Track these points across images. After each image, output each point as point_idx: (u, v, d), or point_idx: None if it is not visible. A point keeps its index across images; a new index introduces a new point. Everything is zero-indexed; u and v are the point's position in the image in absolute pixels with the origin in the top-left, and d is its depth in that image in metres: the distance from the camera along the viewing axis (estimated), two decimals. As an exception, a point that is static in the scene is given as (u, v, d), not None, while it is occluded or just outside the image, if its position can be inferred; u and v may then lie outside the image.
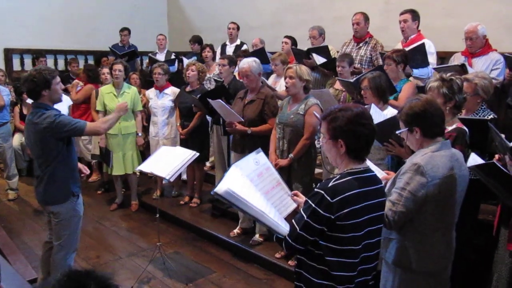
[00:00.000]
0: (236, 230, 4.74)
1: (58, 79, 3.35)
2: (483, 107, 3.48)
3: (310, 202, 1.98)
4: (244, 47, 7.04)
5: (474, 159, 2.80)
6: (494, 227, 3.12)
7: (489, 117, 3.36)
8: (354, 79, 4.23)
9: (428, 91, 3.32)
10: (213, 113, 4.84)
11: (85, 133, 3.42)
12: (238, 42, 7.19)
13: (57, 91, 3.34)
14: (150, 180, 6.67)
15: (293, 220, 2.05)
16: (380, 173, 2.60)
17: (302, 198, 2.27)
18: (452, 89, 3.13)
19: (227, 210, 5.23)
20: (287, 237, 2.03)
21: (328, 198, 1.92)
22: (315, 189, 2.01)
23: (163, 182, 6.09)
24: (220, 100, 4.23)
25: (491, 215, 4.04)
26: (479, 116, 3.43)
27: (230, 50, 7.04)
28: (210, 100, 4.40)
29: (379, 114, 3.40)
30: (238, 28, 7.17)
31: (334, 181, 1.98)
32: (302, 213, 2.01)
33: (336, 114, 2.04)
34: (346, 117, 2.00)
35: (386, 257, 2.46)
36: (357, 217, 1.97)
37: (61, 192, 3.37)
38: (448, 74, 3.33)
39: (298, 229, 1.99)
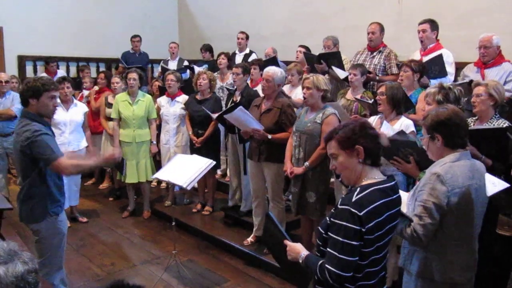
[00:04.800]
0: (250, 239, 4.75)
1: (52, 93, 3.14)
2: (496, 116, 3.44)
3: (339, 222, 1.93)
4: (253, 55, 7.10)
5: (492, 182, 2.77)
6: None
7: (505, 126, 3.31)
8: (372, 100, 4.24)
9: (425, 96, 3.39)
10: (232, 128, 4.85)
11: (51, 168, 3.06)
12: (247, 51, 7.25)
13: (47, 105, 3.12)
14: (161, 188, 6.71)
15: (328, 248, 1.97)
16: (404, 195, 2.58)
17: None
18: (447, 97, 3.25)
19: (240, 218, 5.25)
20: (331, 269, 1.92)
21: (356, 211, 1.90)
22: (339, 207, 1.97)
23: (175, 190, 6.12)
24: (242, 107, 4.22)
25: (506, 226, 4.05)
26: (494, 125, 3.38)
27: (239, 58, 7.11)
28: (229, 115, 4.35)
29: (388, 130, 3.43)
30: (247, 37, 7.23)
31: (357, 195, 1.95)
32: (334, 236, 1.93)
33: (342, 128, 2.07)
34: (355, 126, 2.06)
35: (410, 269, 2.45)
36: (381, 229, 1.98)
37: (36, 211, 3.15)
38: (448, 84, 3.41)
39: (337, 254, 1.91)
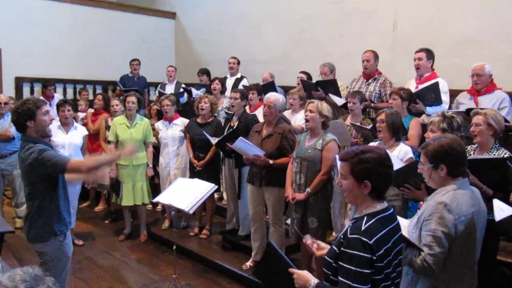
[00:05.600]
0: (249, 263, 4.75)
1: (44, 108, 3.17)
2: (496, 145, 3.46)
3: (351, 251, 1.96)
4: (244, 80, 7.21)
5: (501, 208, 2.83)
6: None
7: (505, 156, 3.34)
8: (371, 126, 4.33)
9: (429, 125, 3.47)
10: (228, 153, 4.91)
11: (67, 170, 3.10)
12: (238, 75, 7.37)
13: (43, 122, 3.15)
14: (157, 210, 6.69)
15: (340, 278, 1.99)
16: (404, 221, 2.63)
17: (325, 249, 2.33)
18: (452, 125, 3.34)
19: (238, 242, 5.25)
20: None
21: (367, 240, 1.94)
22: (349, 236, 1.99)
23: (171, 213, 6.12)
24: (242, 138, 4.29)
25: (503, 251, 4.11)
26: (494, 155, 3.40)
27: (230, 82, 7.23)
28: (231, 146, 4.42)
29: (396, 160, 3.49)
30: (238, 62, 7.37)
31: (365, 223, 2.00)
32: (346, 266, 1.96)
33: (362, 155, 2.06)
34: (374, 159, 2.04)
35: None
36: (389, 255, 2.02)
37: (43, 230, 3.19)
38: (450, 113, 3.50)
39: (351, 283, 1.93)
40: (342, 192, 2.22)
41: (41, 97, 7.39)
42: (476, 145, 3.52)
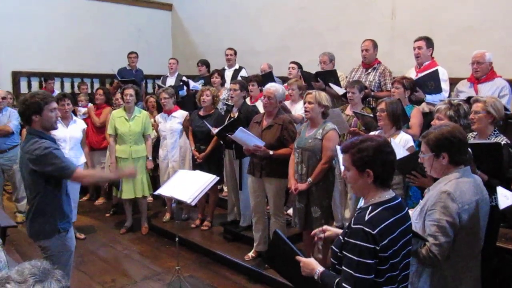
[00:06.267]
0: (251, 254, 4.77)
1: (53, 105, 3.15)
2: (495, 132, 3.46)
3: (353, 241, 1.96)
4: (243, 71, 7.19)
5: (504, 195, 2.82)
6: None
7: (503, 142, 3.33)
8: (372, 115, 4.32)
9: (436, 112, 3.46)
10: (229, 144, 4.91)
11: (72, 179, 3.12)
12: (236, 66, 7.36)
13: (50, 118, 3.13)
14: (159, 203, 6.70)
15: (343, 267, 2.00)
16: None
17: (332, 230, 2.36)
18: (458, 112, 3.35)
19: (239, 233, 5.27)
20: (347, 287, 1.95)
21: (370, 230, 1.94)
22: (353, 226, 2.00)
23: (172, 205, 6.12)
24: (242, 128, 4.28)
25: (503, 238, 4.14)
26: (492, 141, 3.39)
27: (229, 74, 7.22)
28: (231, 136, 4.39)
29: (398, 148, 3.50)
30: (235, 53, 7.36)
31: (369, 213, 2.00)
32: (350, 255, 1.97)
33: (360, 145, 2.07)
34: (373, 147, 2.05)
35: (419, 287, 2.46)
36: (395, 245, 2.01)
37: (46, 228, 3.16)
38: (456, 100, 3.50)
39: (353, 273, 1.94)
40: (348, 184, 2.23)
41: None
42: (476, 132, 3.52)
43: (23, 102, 3.10)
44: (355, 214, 2.11)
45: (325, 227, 2.43)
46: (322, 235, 2.41)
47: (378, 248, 1.94)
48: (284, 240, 2.36)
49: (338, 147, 3.75)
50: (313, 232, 2.50)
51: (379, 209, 2.02)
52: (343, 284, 1.97)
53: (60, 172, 3.06)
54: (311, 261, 2.20)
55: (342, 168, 2.27)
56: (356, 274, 1.94)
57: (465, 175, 2.45)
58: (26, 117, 3.11)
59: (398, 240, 2.04)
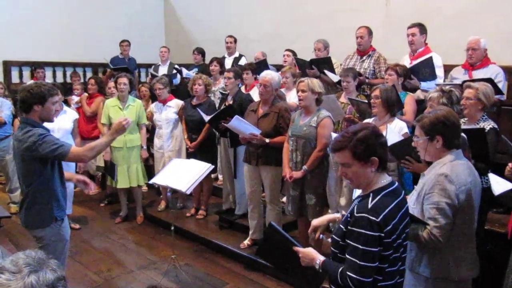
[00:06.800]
0: (247, 242, 4.78)
1: (56, 98, 3.16)
2: (484, 117, 3.51)
3: (358, 230, 1.95)
4: (243, 59, 7.14)
5: (497, 181, 2.84)
6: (509, 232, 3.23)
7: (489, 127, 3.41)
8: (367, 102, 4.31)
9: (428, 100, 3.49)
10: (224, 132, 4.88)
11: (68, 159, 3.10)
12: (236, 54, 7.31)
13: (50, 110, 3.13)
14: (153, 192, 6.68)
15: (347, 256, 2.00)
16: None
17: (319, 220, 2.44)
18: (451, 99, 3.39)
19: (234, 221, 5.27)
20: (353, 276, 1.95)
21: (374, 218, 1.93)
22: (356, 215, 1.99)
23: (167, 194, 6.11)
24: (238, 117, 4.25)
25: (497, 223, 4.17)
26: (480, 126, 3.43)
27: (229, 62, 7.14)
28: (227, 125, 4.36)
29: (394, 134, 3.50)
30: (235, 40, 7.29)
31: (371, 201, 1.99)
32: (354, 244, 1.96)
33: (356, 136, 2.02)
34: (370, 134, 2.03)
35: (420, 271, 2.46)
36: (397, 229, 2.02)
37: (42, 216, 3.15)
38: (448, 87, 3.52)
39: (358, 261, 1.94)
40: (347, 180, 2.21)
41: (32, 81, 7.30)
42: (466, 118, 3.55)
43: (27, 90, 3.06)
44: (357, 202, 2.09)
45: (313, 224, 2.46)
46: (323, 236, 2.44)
47: (382, 235, 1.95)
48: (279, 231, 2.35)
49: (333, 134, 3.74)
50: (311, 241, 2.55)
51: (380, 195, 2.02)
52: (348, 273, 1.97)
53: (56, 152, 3.01)
54: (310, 251, 2.19)
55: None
56: (361, 263, 1.94)
57: (458, 157, 2.47)
58: (27, 105, 3.06)
59: (400, 224, 2.04)
